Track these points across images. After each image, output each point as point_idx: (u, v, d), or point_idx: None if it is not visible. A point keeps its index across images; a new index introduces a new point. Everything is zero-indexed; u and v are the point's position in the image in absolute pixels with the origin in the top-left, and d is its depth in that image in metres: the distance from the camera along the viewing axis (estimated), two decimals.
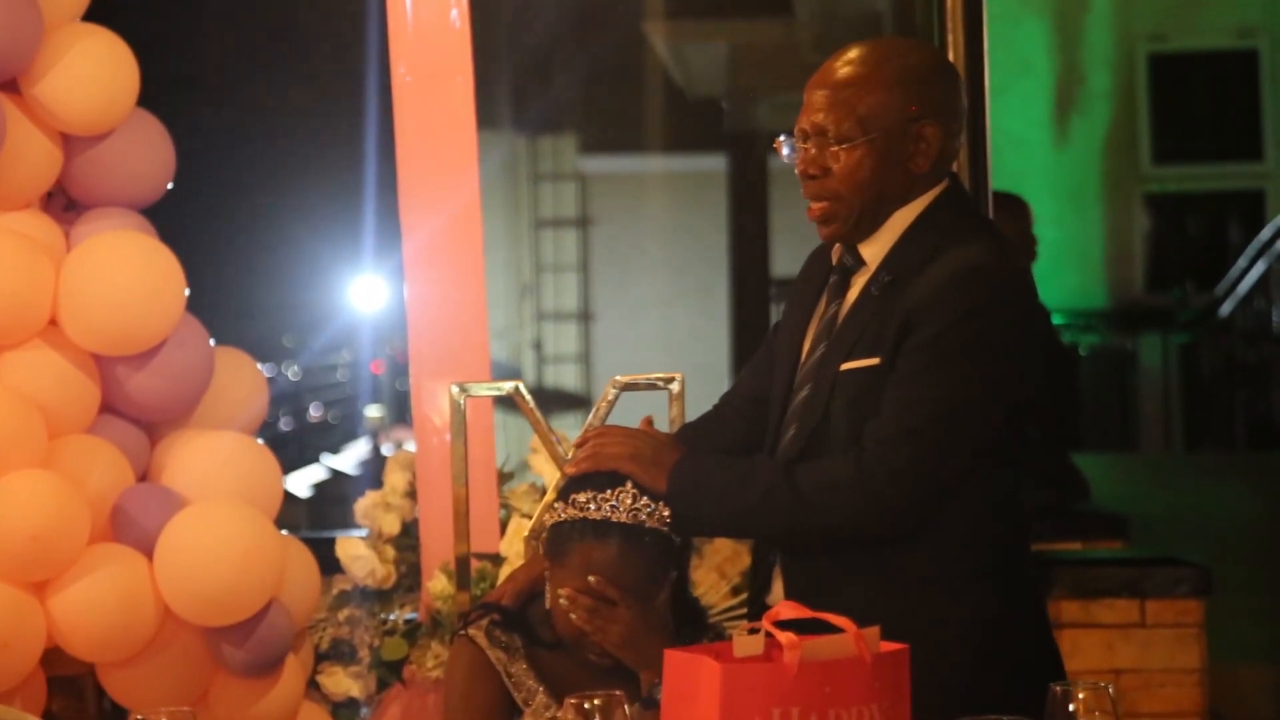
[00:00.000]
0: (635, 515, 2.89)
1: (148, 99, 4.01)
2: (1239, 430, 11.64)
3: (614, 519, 2.89)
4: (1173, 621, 4.58)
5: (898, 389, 2.78)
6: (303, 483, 13.58)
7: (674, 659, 2.38)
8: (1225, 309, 11.77)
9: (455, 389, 3.73)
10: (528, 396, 3.73)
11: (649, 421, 3.10)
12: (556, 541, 2.95)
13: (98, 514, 3.76)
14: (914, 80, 2.86)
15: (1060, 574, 4.61)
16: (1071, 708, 2.31)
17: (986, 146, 4.25)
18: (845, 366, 2.84)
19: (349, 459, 15.78)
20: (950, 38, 4.26)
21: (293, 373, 18.41)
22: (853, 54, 2.90)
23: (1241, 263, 11.76)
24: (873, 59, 2.87)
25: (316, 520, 11.38)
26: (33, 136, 3.86)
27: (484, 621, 3.04)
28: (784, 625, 2.35)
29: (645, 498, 2.90)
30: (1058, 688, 2.33)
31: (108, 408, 3.91)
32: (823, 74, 2.90)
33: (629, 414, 3.40)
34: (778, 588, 2.94)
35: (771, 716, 2.30)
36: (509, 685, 3.00)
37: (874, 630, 2.39)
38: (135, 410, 3.93)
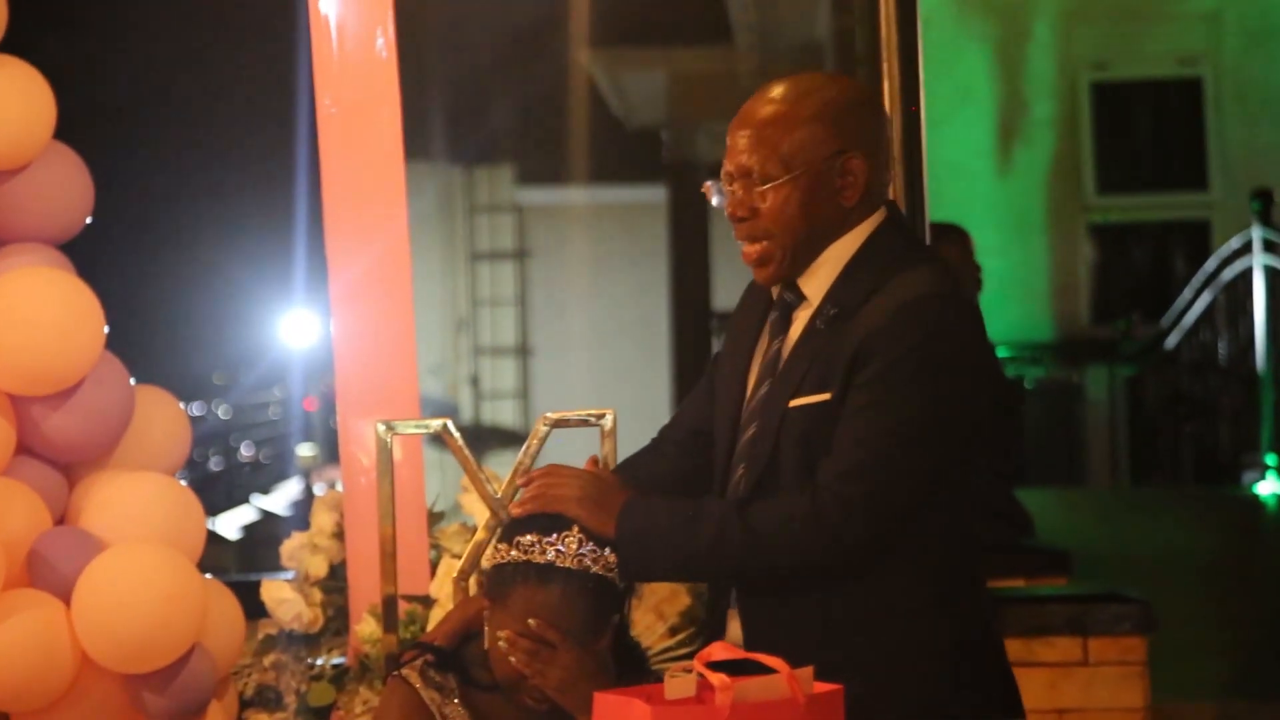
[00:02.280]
0: (580, 560, 2.89)
1: (65, 131, 3.99)
2: (1185, 463, 11.73)
3: (559, 564, 2.88)
4: (1116, 659, 4.60)
5: (851, 422, 2.79)
6: (232, 524, 13.52)
7: (604, 702, 2.38)
8: (1171, 341, 11.87)
9: (381, 427, 3.72)
10: (456, 434, 3.72)
11: (594, 462, 3.10)
12: (498, 583, 2.94)
13: (13, 558, 3.73)
14: (835, 114, 2.89)
15: (1003, 611, 4.62)
16: None
17: (923, 176, 4.28)
18: (794, 403, 2.85)
19: (280, 499, 15.73)
20: (886, 66, 4.29)
21: (223, 411, 18.35)
22: (773, 92, 2.92)
23: (1187, 294, 11.86)
24: (792, 96, 2.90)
25: (246, 563, 11.32)
26: None
27: (418, 661, 3.03)
28: (717, 666, 2.35)
29: (591, 542, 2.90)
30: None
31: (23, 448, 3.88)
32: (744, 114, 2.93)
33: (563, 450, 3.40)
34: (734, 628, 2.94)
35: None
36: None
37: (807, 671, 2.40)
38: (52, 451, 3.90)
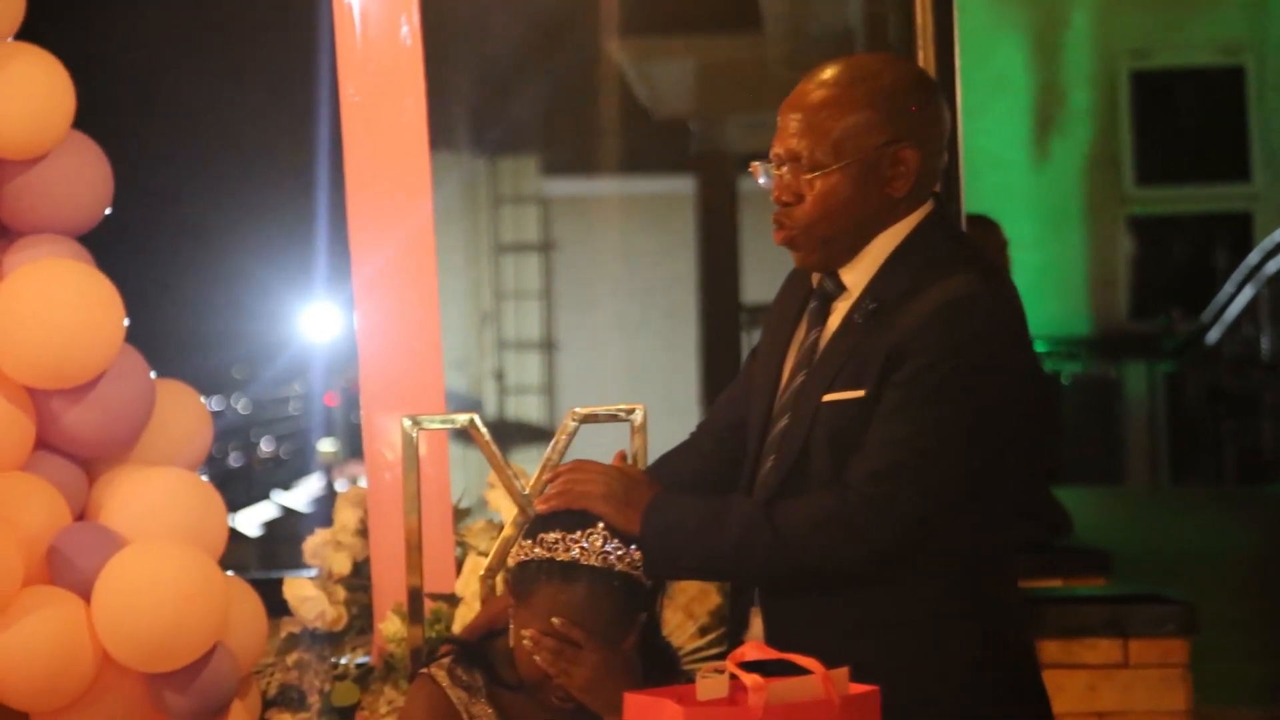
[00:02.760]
0: (605, 558, 2.89)
1: (84, 120, 4.00)
2: (1227, 462, 11.69)
3: (583, 561, 2.89)
4: (1157, 661, 4.59)
5: (883, 424, 2.78)
6: (253, 521, 13.55)
7: (634, 702, 2.38)
8: (1212, 336, 11.83)
9: (407, 422, 3.73)
10: (483, 429, 3.72)
11: (622, 456, 3.11)
12: (522, 581, 2.94)
13: (32, 555, 3.74)
14: (889, 101, 2.86)
15: (1041, 612, 4.62)
16: None
17: (959, 167, 4.28)
18: (827, 398, 2.84)
19: (301, 496, 15.76)
20: (921, 54, 4.29)
21: (242, 406, 18.39)
22: (826, 74, 2.89)
23: (1229, 288, 11.82)
24: (846, 80, 2.87)
25: (267, 560, 11.34)
26: None
27: (445, 660, 3.04)
28: (750, 667, 2.35)
29: (616, 540, 2.90)
30: None
31: (43, 443, 3.89)
32: (796, 96, 2.90)
33: (590, 446, 3.40)
34: (756, 625, 2.94)
35: None
36: None
37: (842, 671, 2.40)
38: (72, 446, 3.91)
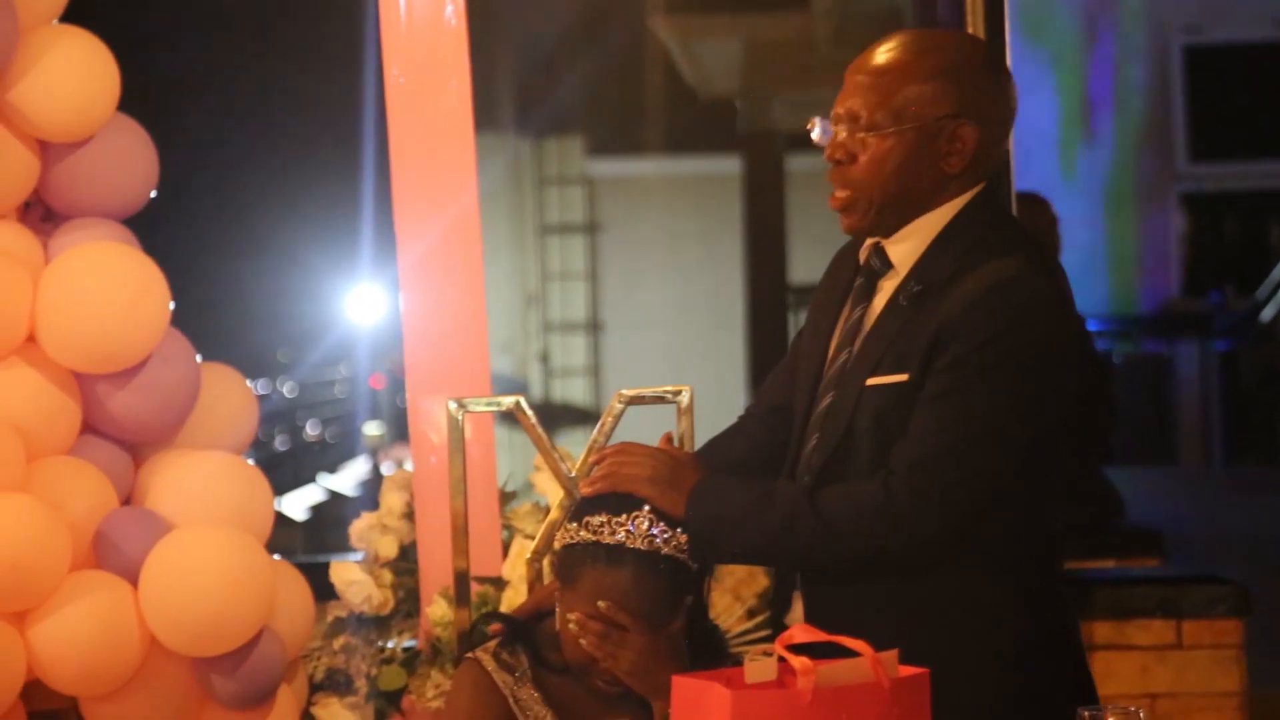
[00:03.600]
0: (651, 541, 2.89)
1: (129, 103, 4.02)
2: None
3: (629, 545, 2.89)
4: (1211, 643, 4.57)
5: (927, 409, 2.77)
6: (299, 505, 13.59)
7: (683, 685, 2.38)
8: (1267, 314, 11.75)
9: (453, 405, 3.73)
10: (529, 412, 3.73)
11: (668, 439, 3.11)
12: (568, 565, 2.95)
13: (79, 539, 3.77)
14: (956, 75, 2.85)
15: (1093, 594, 4.61)
16: None
17: (1010, 144, 4.26)
18: (871, 382, 2.84)
19: (347, 479, 15.80)
20: (971, 29, 4.27)
21: (288, 389, 18.44)
22: (897, 40, 2.90)
23: None
24: (916, 48, 2.87)
25: (313, 544, 11.37)
26: (8, 144, 3.86)
27: (491, 644, 3.05)
28: (798, 649, 2.35)
29: (662, 523, 2.90)
30: (1086, 713, 2.33)
31: (89, 428, 3.92)
32: (864, 58, 2.91)
33: (637, 428, 3.40)
34: (798, 608, 2.94)
35: None
36: (515, 709, 3.00)
37: (892, 654, 2.39)
38: (118, 430, 3.93)
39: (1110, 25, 13.33)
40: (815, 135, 2.92)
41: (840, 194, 2.91)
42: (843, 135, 2.89)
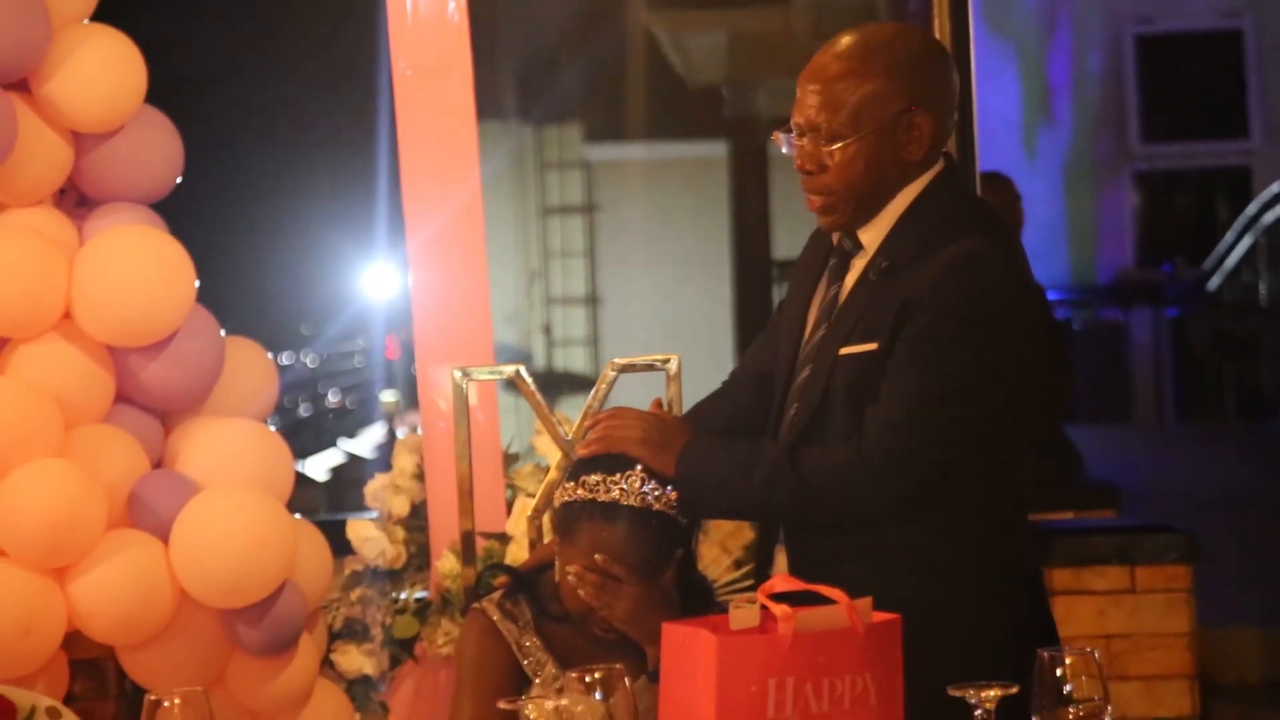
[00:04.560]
0: (643, 499, 2.89)
1: (155, 96, 4.00)
2: (1228, 401, 11.63)
3: (622, 502, 2.88)
4: (1162, 587, 4.57)
5: (895, 376, 2.76)
6: (320, 467, 13.59)
7: (671, 632, 2.37)
8: (1214, 283, 11.75)
9: (457, 373, 3.72)
10: (529, 380, 3.72)
11: (658, 404, 3.10)
12: (566, 520, 2.95)
13: (114, 501, 3.76)
14: (903, 71, 2.82)
15: (1053, 543, 4.60)
16: (1059, 673, 2.31)
17: (974, 128, 4.24)
18: (844, 351, 2.83)
19: (365, 443, 15.79)
20: (938, 21, 4.24)
21: (310, 360, 18.42)
22: (841, 46, 2.85)
23: (1229, 237, 11.74)
24: (861, 52, 2.83)
25: (334, 503, 11.39)
26: (44, 135, 3.85)
27: (496, 595, 3.05)
28: (779, 598, 2.35)
29: (654, 481, 2.89)
30: (1046, 653, 2.32)
31: (122, 397, 3.91)
32: (814, 69, 2.87)
33: (630, 394, 3.39)
34: (780, 561, 2.93)
35: (767, 687, 2.30)
36: (519, 656, 3.00)
37: (866, 601, 2.39)
38: (149, 399, 3.92)
39: (1068, 17, 13.29)
40: (784, 150, 2.90)
41: (816, 199, 2.89)
42: (808, 146, 2.86)
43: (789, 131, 2.89)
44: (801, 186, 2.90)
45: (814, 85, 2.84)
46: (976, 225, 2.83)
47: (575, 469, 2.98)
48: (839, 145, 2.82)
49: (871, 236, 2.89)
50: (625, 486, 2.90)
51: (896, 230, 2.85)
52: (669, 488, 2.89)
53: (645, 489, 2.89)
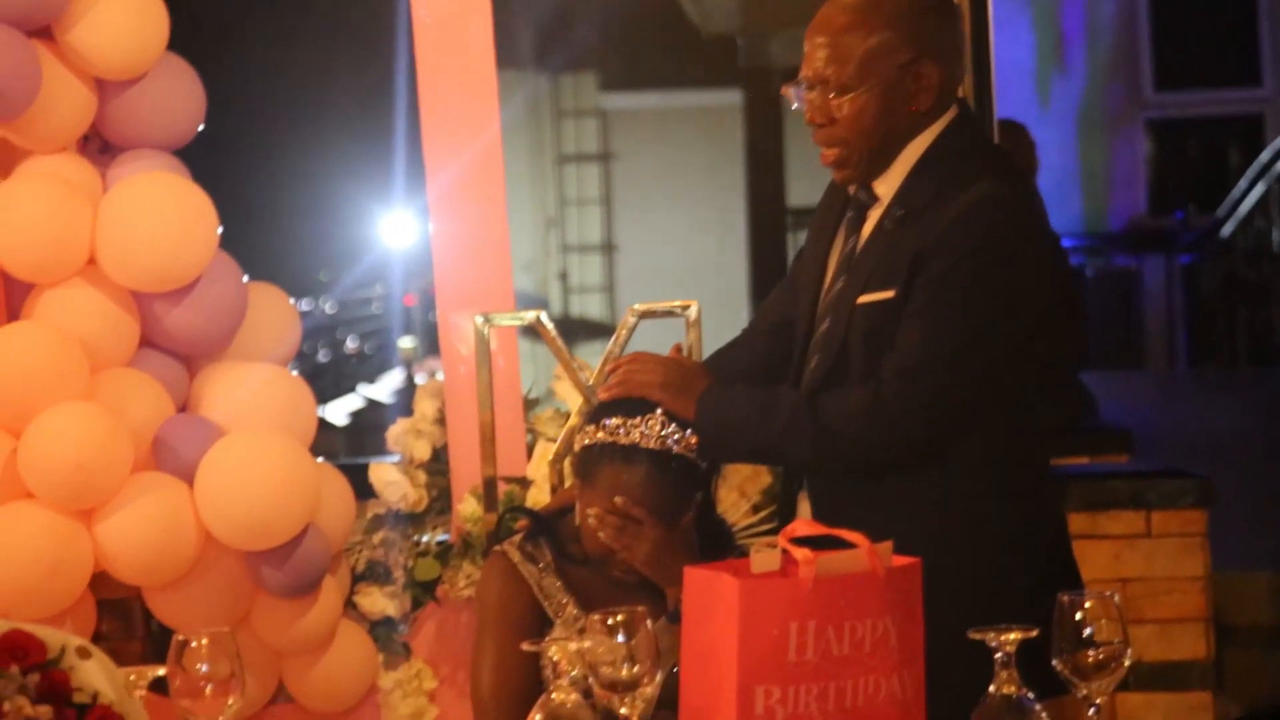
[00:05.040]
0: (663, 442, 2.89)
1: (178, 43, 3.98)
2: (1240, 346, 11.59)
3: (643, 445, 2.88)
4: (1177, 531, 4.56)
5: (911, 322, 2.76)
6: (340, 411, 13.62)
7: (694, 576, 2.37)
8: (1226, 230, 11.69)
9: (479, 319, 3.72)
10: (549, 325, 3.71)
11: (678, 349, 3.10)
12: (586, 463, 2.95)
13: (140, 444, 3.77)
14: (908, 21, 2.81)
15: (1069, 487, 4.60)
16: (1079, 616, 2.30)
17: (991, 77, 4.21)
18: (862, 300, 2.82)
19: (384, 388, 15.81)
20: None
21: (329, 306, 18.42)
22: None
23: (1242, 184, 11.67)
24: (867, 3, 2.82)
25: (354, 447, 11.41)
26: (67, 82, 3.83)
27: (517, 538, 3.05)
28: (800, 542, 2.34)
29: (674, 425, 2.89)
30: (1065, 597, 2.31)
31: (147, 342, 3.91)
32: (820, 21, 2.85)
33: (649, 340, 3.38)
34: (804, 508, 2.93)
35: (788, 630, 2.29)
36: (540, 597, 3.00)
37: (887, 545, 2.38)
38: (173, 344, 3.92)
39: None
40: (794, 105, 2.89)
41: (829, 153, 2.88)
42: (817, 99, 2.85)
43: (798, 85, 2.87)
44: (813, 140, 2.89)
45: (821, 38, 2.83)
46: (991, 170, 2.82)
47: (595, 413, 2.98)
48: (848, 97, 2.81)
49: (886, 187, 2.87)
50: (645, 430, 2.89)
51: (910, 179, 2.84)
52: (689, 431, 2.89)
53: (665, 433, 2.89)
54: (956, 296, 2.74)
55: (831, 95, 2.82)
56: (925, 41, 2.82)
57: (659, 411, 2.91)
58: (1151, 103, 13.44)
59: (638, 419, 2.91)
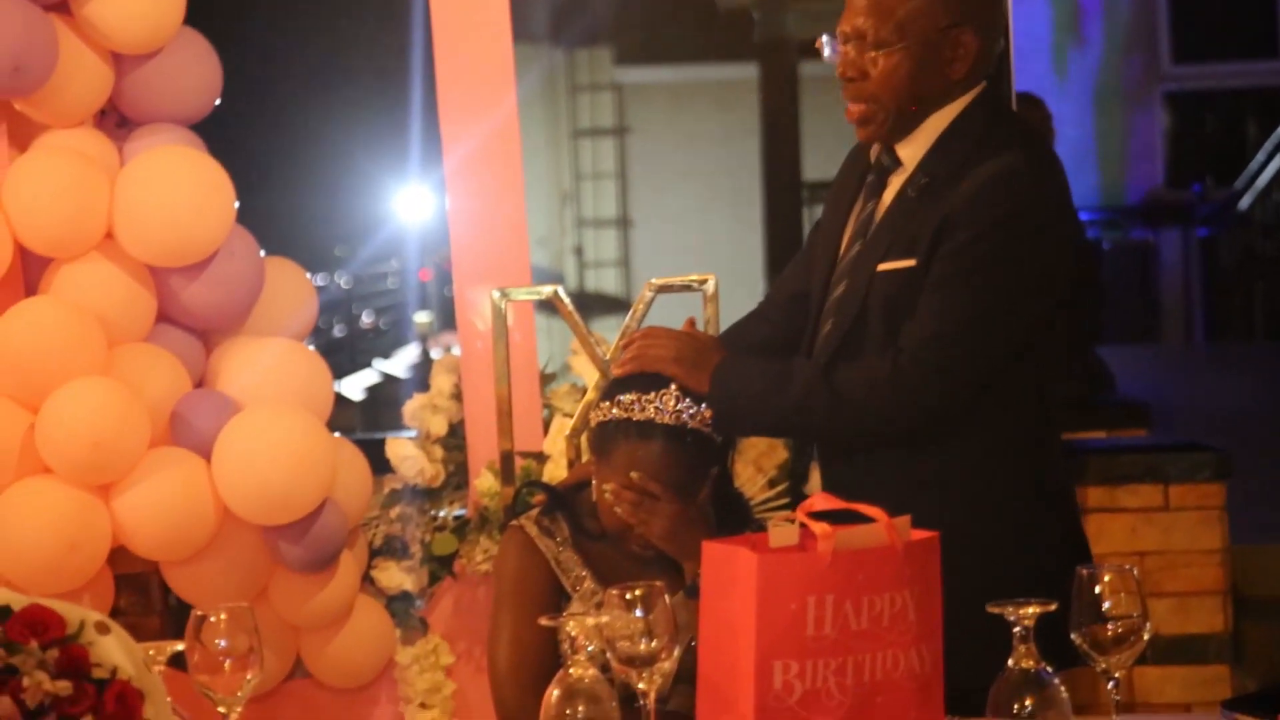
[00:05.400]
0: (678, 417, 2.88)
1: (194, 18, 3.98)
2: (1257, 320, 11.57)
3: (657, 420, 2.88)
4: (1195, 505, 4.55)
5: (932, 293, 2.75)
6: (356, 386, 13.61)
7: (712, 550, 2.36)
8: (1244, 203, 11.67)
9: (496, 294, 3.72)
10: (566, 300, 3.71)
11: (691, 323, 3.09)
12: (602, 439, 2.94)
13: (157, 419, 3.77)
14: None
15: (1086, 462, 4.59)
16: (1097, 589, 2.29)
17: (1010, 49, 4.20)
18: (882, 267, 2.82)
19: (400, 363, 15.80)
20: None
21: (344, 281, 18.41)
22: None
23: (1260, 157, 11.64)
24: None
25: (369, 422, 11.41)
26: (84, 56, 3.83)
27: (534, 512, 3.05)
28: (818, 516, 2.33)
29: (688, 399, 2.89)
30: (1084, 570, 2.31)
31: (164, 317, 3.91)
32: None
33: (666, 315, 3.38)
34: (814, 479, 2.93)
35: (806, 604, 2.29)
36: (557, 572, 3.00)
37: (905, 519, 2.38)
38: (190, 319, 3.92)
39: None
40: (825, 54, 2.88)
41: (855, 108, 2.87)
42: (851, 53, 2.84)
43: (834, 38, 2.86)
44: (842, 96, 2.88)
45: None
46: (1017, 145, 2.81)
47: (610, 388, 2.98)
48: (883, 52, 2.80)
49: (910, 152, 2.86)
50: (660, 405, 2.89)
51: (937, 147, 2.84)
52: (703, 405, 2.89)
53: (680, 407, 2.89)
54: (978, 268, 2.74)
55: (868, 50, 2.81)
56: (969, 10, 2.82)
57: (673, 386, 2.90)
58: (1169, 75, 13.40)
59: (652, 394, 2.90)
